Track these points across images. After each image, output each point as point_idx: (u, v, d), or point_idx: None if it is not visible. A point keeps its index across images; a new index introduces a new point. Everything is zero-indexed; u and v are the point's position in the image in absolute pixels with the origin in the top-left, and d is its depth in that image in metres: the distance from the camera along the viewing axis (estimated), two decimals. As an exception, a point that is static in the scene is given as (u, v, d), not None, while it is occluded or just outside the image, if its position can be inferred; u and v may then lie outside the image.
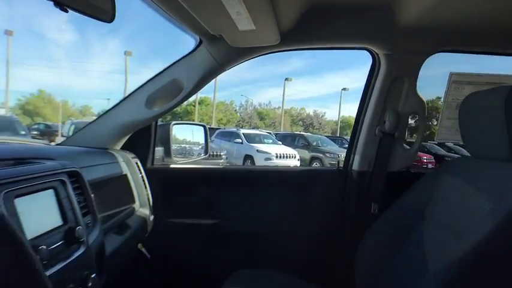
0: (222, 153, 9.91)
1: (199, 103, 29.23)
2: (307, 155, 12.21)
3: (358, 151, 1.45)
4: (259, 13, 0.97)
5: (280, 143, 12.67)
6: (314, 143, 13.12)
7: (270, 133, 14.37)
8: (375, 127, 1.39)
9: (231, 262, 1.32)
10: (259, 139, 12.00)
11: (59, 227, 0.70)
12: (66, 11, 0.60)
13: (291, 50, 1.33)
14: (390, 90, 1.35)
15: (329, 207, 1.49)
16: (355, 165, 1.46)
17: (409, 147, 1.44)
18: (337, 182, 1.49)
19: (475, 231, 0.87)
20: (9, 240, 0.37)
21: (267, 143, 11.81)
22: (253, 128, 24.51)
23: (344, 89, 30.07)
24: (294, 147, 12.54)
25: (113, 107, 1.34)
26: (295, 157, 10.94)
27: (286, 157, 10.71)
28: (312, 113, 37.66)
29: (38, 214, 0.66)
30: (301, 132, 17.43)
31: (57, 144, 1.38)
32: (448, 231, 1.03)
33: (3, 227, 0.37)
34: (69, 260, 0.68)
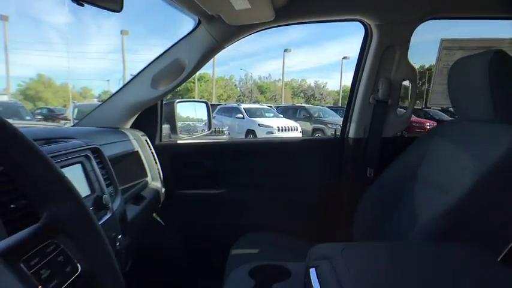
0: (224, 129, 10.02)
1: (198, 79, 29.01)
2: (309, 126, 12.24)
3: (353, 119, 1.53)
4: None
5: (282, 116, 12.69)
6: (316, 115, 13.13)
7: (270, 107, 14.37)
8: (369, 95, 1.47)
9: (238, 227, 1.42)
10: (260, 113, 12.02)
11: (88, 195, 0.80)
12: (82, 5, 0.67)
13: (285, 25, 1.39)
14: (382, 59, 1.41)
15: (328, 174, 1.58)
16: (351, 133, 1.54)
17: (402, 113, 1.52)
18: (335, 149, 1.58)
19: (458, 187, 0.96)
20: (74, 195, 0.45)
21: (268, 117, 11.84)
22: (254, 103, 24.43)
23: (345, 57, 29.39)
24: (296, 119, 12.56)
25: (121, 89, 1.42)
26: (297, 129, 11.01)
27: (288, 130, 10.78)
28: (313, 84, 37.35)
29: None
30: (303, 104, 17.38)
31: (73, 126, 1.47)
32: (436, 188, 1.13)
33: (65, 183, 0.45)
34: (100, 223, 0.78)
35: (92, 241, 0.44)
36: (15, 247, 0.37)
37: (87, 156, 0.85)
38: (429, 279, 0.68)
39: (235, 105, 13.47)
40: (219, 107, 13.20)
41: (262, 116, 11.90)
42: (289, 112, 13.85)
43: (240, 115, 11.62)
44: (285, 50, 30.09)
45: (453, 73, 1.16)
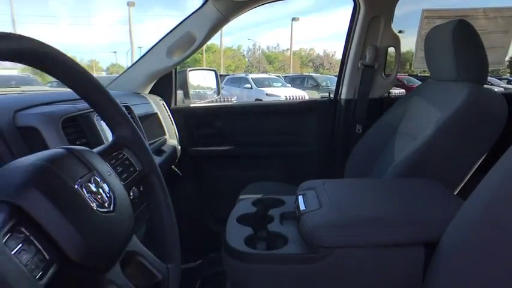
0: (232, 99, 10.18)
1: (206, 50, 28.85)
2: (316, 95, 12.34)
3: (345, 82, 1.73)
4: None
5: (289, 85, 12.77)
6: (323, 84, 13.18)
7: (278, 76, 14.41)
8: (358, 61, 1.66)
9: (245, 178, 1.66)
10: (268, 83, 12.12)
11: None
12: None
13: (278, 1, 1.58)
14: (369, 29, 1.59)
15: (323, 130, 1.80)
16: (343, 95, 1.74)
17: (388, 77, 1.71)
18: (329, 109, 1.78)
19: (424, 134, 1.18)
20: (131, 124, 0.69)
21: (276, 86, 11.95)
22: (262, 73, 24.29)
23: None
24: (304, 88, 12.65)
25: (140, 58, 1.63)
26: (304, 98, 11.15)
27: (296, 99, 10.93)
28: (321, 53, 36.86)
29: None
30: (310, 74, 17.33)
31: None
32: (409, 137, 1.34)
33: (126, 116, 0.68)
34: None
35: (143, 153, 0.67)
36: (106, 150, 0.61)
37: None
38: (379, 199, 0.92)
39: (243, 75, 13.55)
40: (227, 77, 13.28)
41: (270, 85, 12.01)
42: (297, 81, 13.91)
43: (248, 85, 11.74)
44: (293, 19, 29.54)
45: (427, 40, 1.35)
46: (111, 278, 0.45)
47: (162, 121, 1.62)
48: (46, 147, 0.74)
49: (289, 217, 1.00)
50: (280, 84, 12.46)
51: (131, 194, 0.72)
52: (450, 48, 1.19)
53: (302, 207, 0.91)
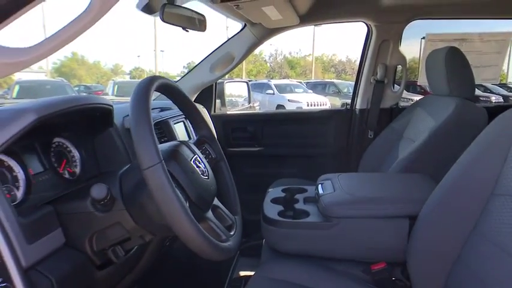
0: (255, 105, 10.51)
1: (229, 56, 29.25)
2: (338, 101, 12.51)
3: (359, 95, 2.03)
4: (284, 10, 1.54)
5: (311, 91, 13.00)
6: (345, 90, 13.33)
7: (300, 82, 14.67)
8: (371, 76, 1.96)
9: (272, 175, 1.97)
10: (290, 89, 12.39)
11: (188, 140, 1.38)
12: (187, 31, 1.21)
13: (307, 26, 1.90)
14: (380, 50, 1.90)
15: (339, 135, 2.10)
16: (358, 105, 2.05)
17: (396, 90, 2.01)
18: (345, 117, 2.08)
19: (421, 137, 1.48)
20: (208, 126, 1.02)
21: (298, 92, 12.20)
22: (283, 78, 24.55)
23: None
24: (325, 94, 12.84)
25: (188, 72, 1.98)
26: (326, 105, 11.34)
27: (317, 105, 11.13)
28: (344, 59, 36.88)
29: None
30: (332, 80, 17.50)
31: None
32: (410, 141, 1.63)
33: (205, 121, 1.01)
34: None
35: (216, 147, 1.00)
36: (195, 143, 0.94)
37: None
38: (378, 186, 1.23)
39: (265, 81, 13.87)
40: (249, 83, 13.59)
41: (291, 91, 12.26)
42: (318, 87, 14.11)
43: (271, 91, 12.02)
44: (316, 24, 29.73)
45: (427, 62, 1.64)
46: (208, 216, 0.78)
47: (205, 125, 1.96)
48: None
49: (310, 200, 1.32)
50: (301, 90, 12.71)
51: None
52: (443, 69, 1.49)
53: (320, 191, 1.23)
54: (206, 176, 0.81)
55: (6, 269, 0.59)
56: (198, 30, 1.36)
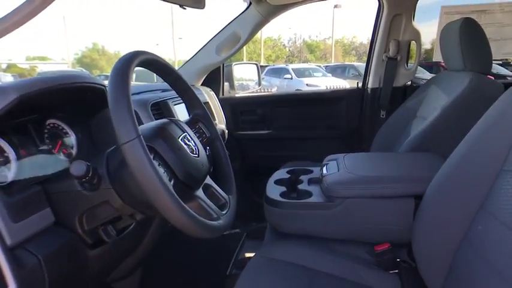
0: (273, 90, 10.43)
1: (247, 41, 29.00)
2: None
3: (371, 73, 1.96)
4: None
5: (330, 75, 12.78)
6: (365, 72, 13.01)
7: (319, 66, 14.44)
8: (382, 54, 1.88)
9: (282, 158, 1.94)
10: (308, 73, 12.22)
11: None
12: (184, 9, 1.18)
13: (313, 1, 1.83)
14: (392, 25, 1.81)
15: (351, 115, 2.04)
16: (370, 84, 1.97)
17: (409, 68, 1.92)
18: (357, 97, 2.02)
19: (433, 114, 1.41)
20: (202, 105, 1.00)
21: (317, 76, 12.02)
22: (303, 62, 24.22)
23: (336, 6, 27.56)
24: (345, 78, 12.59)
25: (193, 56, 1.96)
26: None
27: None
28: (365, 41, 35.92)
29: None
30: (352, 63, 17.12)
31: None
32: (423, 119, 1.56)
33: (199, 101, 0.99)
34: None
35: (210, 125, 0.98)
36: (188, 122, 0.92)
37: None
38: (383, 165, 1.18)
39: (283, 66, 13.73)
40: (267, 68, 13.49)
41: (310, 75, 12.10)
42: (337, 71, 13.84)
43: (288, 75, 11.89)
44: (335, 6, 29.01)
45: (441, 36, 1.55)
46: (198, 195, 0.76)
47: (213, 109, 1.93)
48: (141, 123, 1.08)
49: (315, 181, 1.28)
50: (320, 74, 12.52)
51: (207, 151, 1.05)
52: (457, 43, 1.40)
53: (325, 172, 1.19)
54: (196, 154, 0.79)
55: (-10, 247, 0.59)
56: (197, 8, 1.32)
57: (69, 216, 0.75)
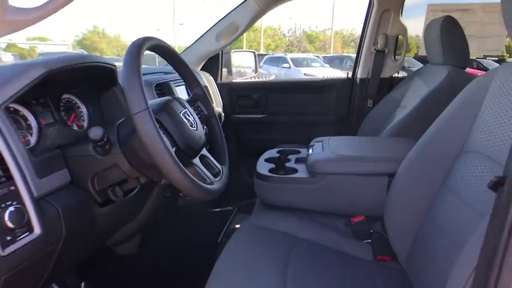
0: (270, 78, 10.49)
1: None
2: (355, 76, 12.32)
3: (360, 64, 2.07)
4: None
5: (328, 65, 12.85)
6: (362, 64, 13.08)
7: (317, 56, 14.49)
8: (372, 46, 2.00)
9: (275, 141, 2.06)
10: (306, 63, 12.28)
11: None
12: None
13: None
14: (381, 20, 1.92)
15: (341, 103, 2.16)
16: (359, 74, 2.09)
17: (396, 60, 2.04)
18: (347, 86, 2.14)
19: (413, 103, 1.53)
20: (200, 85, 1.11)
21: (314, 67, 12.08)
22: (302, 52, 24.21)
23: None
24: (342, 69, 12.66)
25: (195, 42, 2.06)
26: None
27: (333, 79, 10.99)
28: (364, 33, 35.70)
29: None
30: (349, 54, 17.17)
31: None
32: (405, 107, 1.69)
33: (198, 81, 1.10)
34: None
35: (208, 104, 1.10)
36: (188, 101, 1.04)
37: None
38: (363, 147, 1.30)
39: (282, 55, 13.76)
40: (266, 57, 13.53)
41: (308, 65, 12.16)
42: (335, 62, 13.93)
43: (287, 65, 11.95)
44: (336, -3, 28.87)
45: (425, 32, 1.67)
46: (195, 163, 0.89)
47: (211, 93, 2.04)
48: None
49: (301, 160, 1.41)
50: (318, 64, 12.59)
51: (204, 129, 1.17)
52: (438, 39, 1.52)
53: (310, 152, 1.32)
54: (194, 127, 0.91)
55: (20, 197, 0.71)
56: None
57: (83, 177, 0.87)
